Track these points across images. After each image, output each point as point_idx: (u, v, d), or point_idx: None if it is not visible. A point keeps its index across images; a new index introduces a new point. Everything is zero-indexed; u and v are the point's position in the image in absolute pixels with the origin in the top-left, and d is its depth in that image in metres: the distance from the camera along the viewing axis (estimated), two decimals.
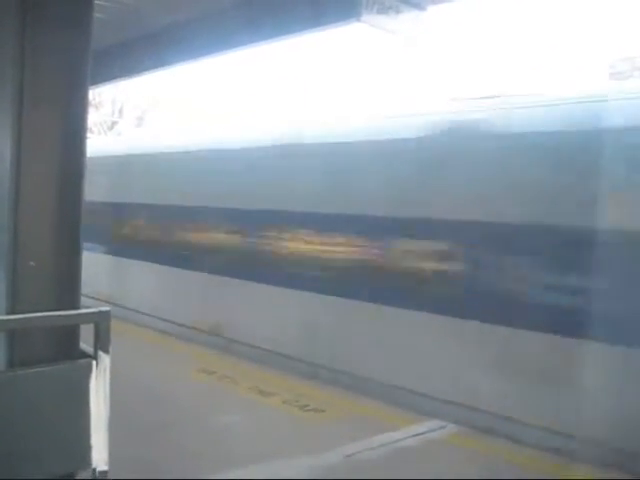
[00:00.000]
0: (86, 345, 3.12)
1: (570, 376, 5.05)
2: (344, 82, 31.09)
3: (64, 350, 3.07)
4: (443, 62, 32.97)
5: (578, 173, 5.34)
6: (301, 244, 7.88)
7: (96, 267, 9.01)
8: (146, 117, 28.32)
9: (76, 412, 2.98)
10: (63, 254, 3.08)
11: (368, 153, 7.10)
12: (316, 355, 7.02)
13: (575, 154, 5.47)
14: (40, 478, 2.88)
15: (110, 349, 3.04)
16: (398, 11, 6.36)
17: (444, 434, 5.47)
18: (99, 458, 3.00)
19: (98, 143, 14.68)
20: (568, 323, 5.20)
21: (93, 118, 24.39)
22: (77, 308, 3.12)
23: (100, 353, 3.02)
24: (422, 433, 5.44)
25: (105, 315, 3.07)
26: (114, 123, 27.29)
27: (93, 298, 7.88)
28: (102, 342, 3.03)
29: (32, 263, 2.97)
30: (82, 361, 3.04)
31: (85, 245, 3.16)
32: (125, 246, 11.02)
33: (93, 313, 3.12)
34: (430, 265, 6.46)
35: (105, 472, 3.02)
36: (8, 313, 2.94)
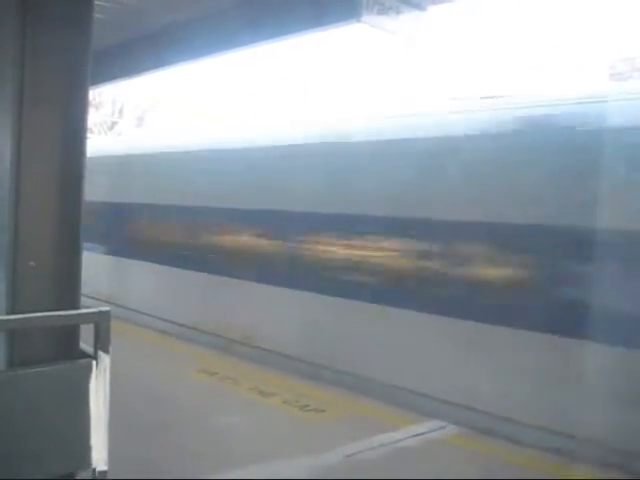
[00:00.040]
0: (86, 345, 3.13)
1: None
2: (344, 82, 31.12)
3: (64, 350, 3.07)
4: (443, 62, 32.99)
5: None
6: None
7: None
8: (146, 117, 28.35)
9: (76, 412, 2.98)
10: (63, 254, 3.08)
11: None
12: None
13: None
14: (40, 478, 2.88)
15: (110, 349, 3.05)
16: (398, 11, 6.36)
17: (444, 434, 5.46)
18: (99, 458, 2.99)
19: (99, 143, 14.69)
20: None
21: (93, 118, 24.41)
22: (77, 308, 3.12)
23: (100, 353, 3.02)
24: (422, 433, 5.44)
25: (105, 315, 3.07)
26: (114, 123, 27.31)
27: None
28: (102, 342, 3.03)
29: (32, 263, 2.97)
30: (82, 361, 3.04)
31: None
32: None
33: (93, 313, 3.12)
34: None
35: (105, 472, 3.02)
36: (8, 313, 2.94)
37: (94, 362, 3.01)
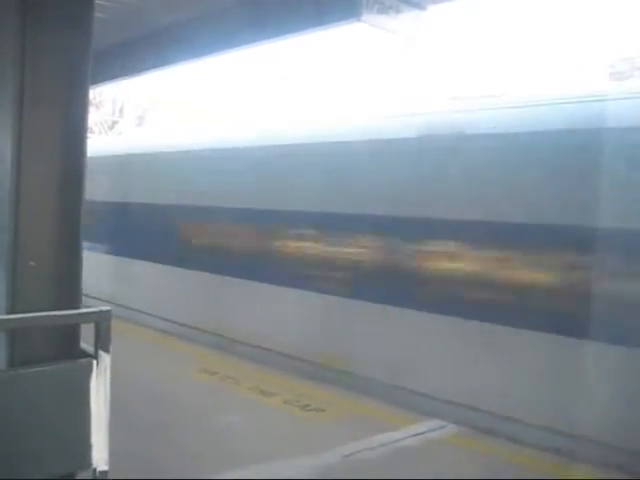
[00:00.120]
0: (87, 345, 3.13)
1: None
2: (344, 82, 31.12)
3: (64, 350, 3.07)
4: (443, 61, 33.00)
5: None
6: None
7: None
8: (147, 116, 28.37)
9: (76, 412, 2.98)
10: (63, 254, 3.08)
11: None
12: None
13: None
14: (40, 478, 2.88)
15: (110, 349, 3.05)
16: (398, 11, 6.36)
17: (444, 434, 5.46)
18: (99, 458, 3.00)
19: (99, 143, 14.68)
20: None
21: (94, 117, 24.41)
22: (77, 308, 3.12)
23: (101, 353, 3.02)
24: (422, 433, 5.44)
25: (105, 315, 3.07)
26: (115, 122, 27.32)
27: None
28: (102, 342, 3.03)
29: (32, 263, 2.97)
30: (82, 361, 3.04)
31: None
32: None
33: (93, 313, 3.12)
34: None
35: (105, 472, 3.02)
36: (8, 313, 2.95)
37: (95, 362, 3.02)
